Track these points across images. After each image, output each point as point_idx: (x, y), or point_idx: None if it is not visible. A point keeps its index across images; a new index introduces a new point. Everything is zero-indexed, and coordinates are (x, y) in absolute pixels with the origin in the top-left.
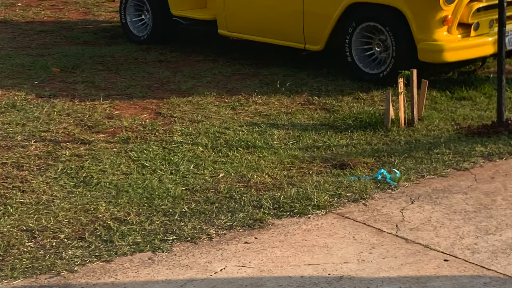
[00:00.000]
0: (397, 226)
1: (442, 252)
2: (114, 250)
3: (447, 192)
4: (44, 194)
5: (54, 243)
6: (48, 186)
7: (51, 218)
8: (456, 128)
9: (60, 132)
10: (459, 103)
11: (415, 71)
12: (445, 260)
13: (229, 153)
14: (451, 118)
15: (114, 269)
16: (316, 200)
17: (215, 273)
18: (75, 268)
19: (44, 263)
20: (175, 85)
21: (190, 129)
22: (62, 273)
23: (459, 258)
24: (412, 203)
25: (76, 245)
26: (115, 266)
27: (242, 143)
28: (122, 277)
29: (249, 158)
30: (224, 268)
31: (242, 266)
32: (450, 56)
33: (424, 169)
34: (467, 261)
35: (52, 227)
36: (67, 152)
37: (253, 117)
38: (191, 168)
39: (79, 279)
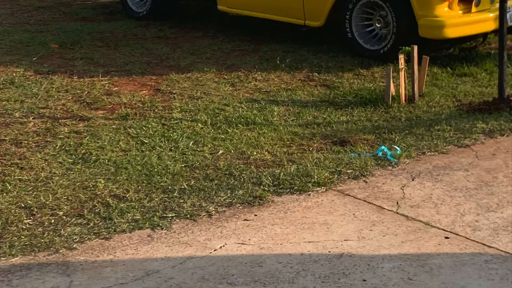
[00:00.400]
0: (397, 203)
1: (443, 229)
2: (113, 227)
3: (448, 169)
4: (42, 171)
5: (52, 220)
6: (46, 163)
7: (50, 195)
8: (457, 104)
9: (59, 108)
10: (460, 79)
11: (415, 47)
12: (446, 238)
13: (229, 130)
14: (452, 95)
15: (113, 247)
16: (316, 177)
17: (214, 250)
18: (74, 246)
19: (42, 240)
20: (174, 61)
21: (190, 105)
22: (61, 251)
23: (460, 236)
24: (413, 180)
25: (75, 222)
26: (114, 243)
27: (242, 119)
28: (121, 255)
29: (248, 134)
30: (223, 246)
31: (242, 244)
32: (451, 32)
33: (425, 146)
34: (468, 239)
35: (50, 204)
36: (66, 128)
37: (253, 93)
38: (190, 145)
39: (78, 256)
